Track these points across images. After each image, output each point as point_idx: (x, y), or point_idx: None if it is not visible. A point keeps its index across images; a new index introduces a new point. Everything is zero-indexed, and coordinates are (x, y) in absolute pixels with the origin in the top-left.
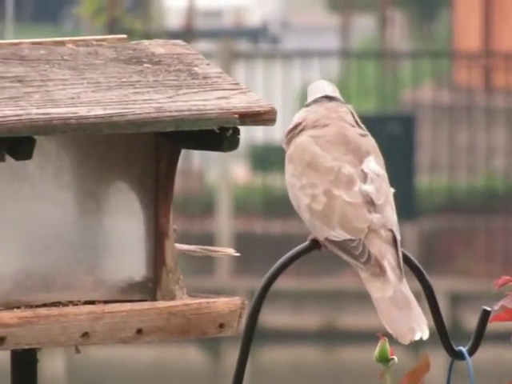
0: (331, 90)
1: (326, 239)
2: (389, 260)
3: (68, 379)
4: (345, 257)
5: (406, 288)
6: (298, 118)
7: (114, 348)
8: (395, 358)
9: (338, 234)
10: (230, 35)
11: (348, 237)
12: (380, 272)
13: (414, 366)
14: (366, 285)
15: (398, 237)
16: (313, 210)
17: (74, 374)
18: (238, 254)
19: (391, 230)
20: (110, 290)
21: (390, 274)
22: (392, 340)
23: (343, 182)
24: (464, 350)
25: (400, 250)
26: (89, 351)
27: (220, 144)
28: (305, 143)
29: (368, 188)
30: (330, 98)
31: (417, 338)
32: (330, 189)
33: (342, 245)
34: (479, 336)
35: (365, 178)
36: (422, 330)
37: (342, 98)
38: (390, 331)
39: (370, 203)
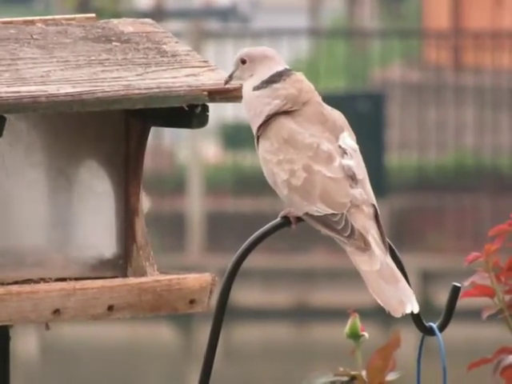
0: (278, 58)
1: (306, 214)
2: (373, 235)
3: (41, 358)
4: (326, 231)
5: (391, 262)
6: (264, 104)
7: (87, 326)
8: (366, 334)
9: (319, 209)
10: (200, 15)
11: (330, 211)
12: (365, 246)
13: (385, 342)
14: (351, 258)
15: (379, 212)
16: (291, 186)
17: (47, 353)
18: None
19: (373, 205)
20: (81, 267)
21: (375, 248)
22: (363, 317)
23: (323, 158)
24: (434, 325)
25: (382, 225)
26: (62, 329)
27: (189, 121)
28: (281, 120)
29: (349, 162)
30: (286, 71)
31: (408, 311)
32: (310, 164)
33: (324, 219)
34: (449, 312)
35: (343, 153)
36: (411, 303)
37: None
38: (381, 304)
39: (352, 178)
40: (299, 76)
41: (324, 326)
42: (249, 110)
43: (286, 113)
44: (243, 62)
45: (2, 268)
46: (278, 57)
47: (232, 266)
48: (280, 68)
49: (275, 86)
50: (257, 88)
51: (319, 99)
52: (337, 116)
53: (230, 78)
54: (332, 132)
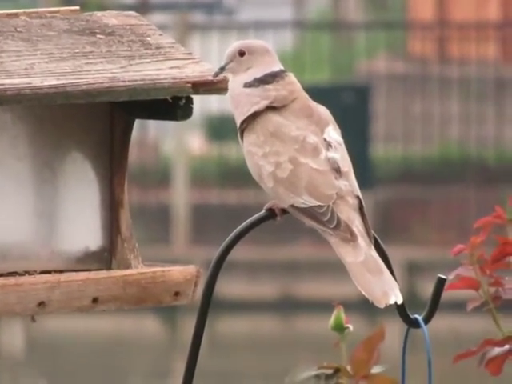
0: (275, 61)
1: (292, 206)
2: (357, 226)
3: (26, 350)
4: (312, 223)
5: (375, 254)
6: (252, 102)
7: (72, 318)
8: (350, 327)
9: (305, 201)
10: (186, 7)
11: (316, 203)
12: (351, 238)
13: (369, 334)
14: (336, 250)
15: (364, 204)
16: (277, 178)
17: (32, 345)
18: None
19: (358, 197)
20: (66, 259)
21: (360, 239)
22: (347, 309)
23: (309, 150)
24: (419, 317)
25: (367, 216)
26: (47, 322)
27: (173, 113)
28: (267, 114)
29: (334, 155)
30: (281, 72)
31: (391, 301)
32: (296, 156)
33: (310, 211)
34: (435, 304)
35: (328, 146)
36: (395, 294)
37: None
38: (365, 295)
39: (337, 170)
40: (292, 78)
41: (309, 317)
42: (236, 106)
43: (273, 108)
44: (241, 54)
45: None
46: (274, 54)
47: (217, 258)
48: (276, 68)
49: (267, 86)
50: (248, 85)
51: (307, 96)
52: (322, 111)
53: (222, 69)
54: (318, 125)
